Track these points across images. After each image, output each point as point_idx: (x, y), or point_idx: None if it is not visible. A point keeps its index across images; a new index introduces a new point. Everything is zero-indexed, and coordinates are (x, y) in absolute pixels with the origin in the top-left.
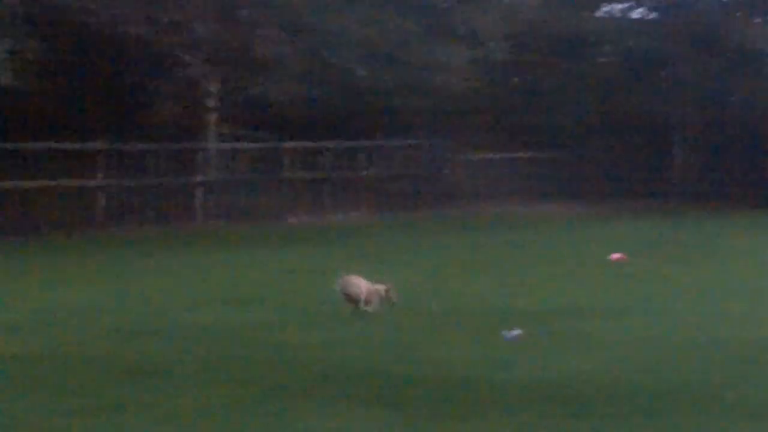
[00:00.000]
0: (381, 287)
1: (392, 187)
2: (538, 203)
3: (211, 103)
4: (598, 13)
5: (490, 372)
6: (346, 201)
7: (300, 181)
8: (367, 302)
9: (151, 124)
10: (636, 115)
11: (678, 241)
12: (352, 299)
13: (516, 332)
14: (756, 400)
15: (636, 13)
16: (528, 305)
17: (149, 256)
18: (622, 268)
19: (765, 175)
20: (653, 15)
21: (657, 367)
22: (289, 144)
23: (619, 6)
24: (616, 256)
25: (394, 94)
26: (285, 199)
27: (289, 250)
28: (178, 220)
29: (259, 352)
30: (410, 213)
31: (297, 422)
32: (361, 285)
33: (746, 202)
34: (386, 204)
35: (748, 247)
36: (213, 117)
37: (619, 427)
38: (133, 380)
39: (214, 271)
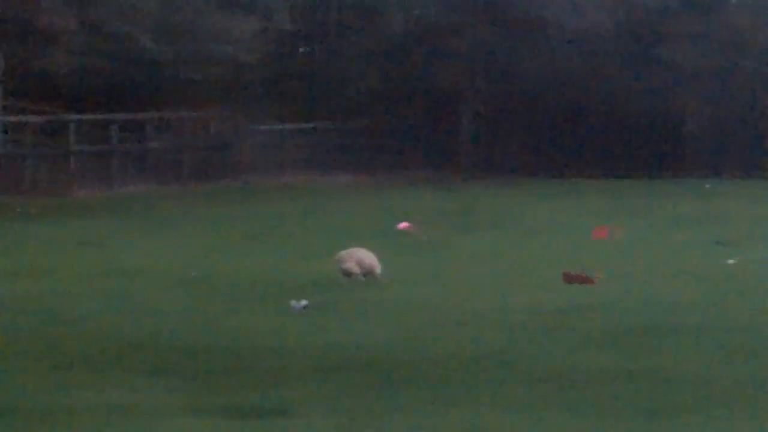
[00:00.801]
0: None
1: (180, 159)
2: (324, 174)
3: None
4: None
5: (276, 341)
6: (134, 173)
7: (88, 153)
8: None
9: None
10: (424, 85)
11: (464, 210)
12: (348, 273)
13: (303, 303)
14: (545, 366)
15: None
16: (314, 275)
17: None
18: (408, 237)
19: (553, 144)
20: None
21: (446, 335)
22: (76, 116)
23: None
24: (403, 225)
25: (181, 65)
26: (73, 171)
27: (79, 222)
28: None
29: (45, 325)
30: (198, 184)
31: (79, 394)
32: (352, 260)
33: (536, 172)
34: (174, 175)
35: (533, 216)
36: None
37: (397, 394)
38: None
39: (1, 244)
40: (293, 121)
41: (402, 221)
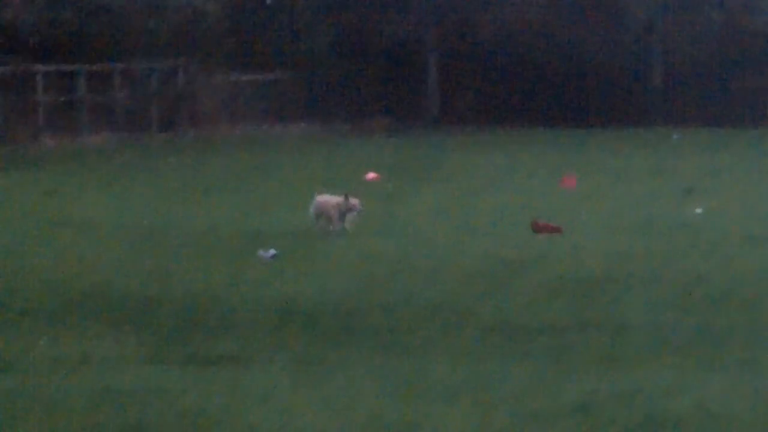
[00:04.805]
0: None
1: (145, 109)
2: (285, 124)
3: None
4: None
5: (232, 291)
6: (100, 123)
7: (55, 103)
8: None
9: None
10: (382, 35)
11: (423, 160)
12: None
13: (272, 252)
14: (499, 315)
15: None
16: (278, 227)
17: None
18: (369, 187)
19: (515, 94)
20: None
21: (402, 284)
22: (43, 67)
23: None
24: (371, 175)
25: (143, 15)
26: (40, 121)
27: (40, 172)
28: None
29: (10, 276)
30: (161, 135)
31: (34, 344)
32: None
33: (497, 122)
34: (139, 126)
35: (493, 166)
36: None
37: (350, 342)
38: None
39: None
40: (252, 72)
41: (368, 172)
